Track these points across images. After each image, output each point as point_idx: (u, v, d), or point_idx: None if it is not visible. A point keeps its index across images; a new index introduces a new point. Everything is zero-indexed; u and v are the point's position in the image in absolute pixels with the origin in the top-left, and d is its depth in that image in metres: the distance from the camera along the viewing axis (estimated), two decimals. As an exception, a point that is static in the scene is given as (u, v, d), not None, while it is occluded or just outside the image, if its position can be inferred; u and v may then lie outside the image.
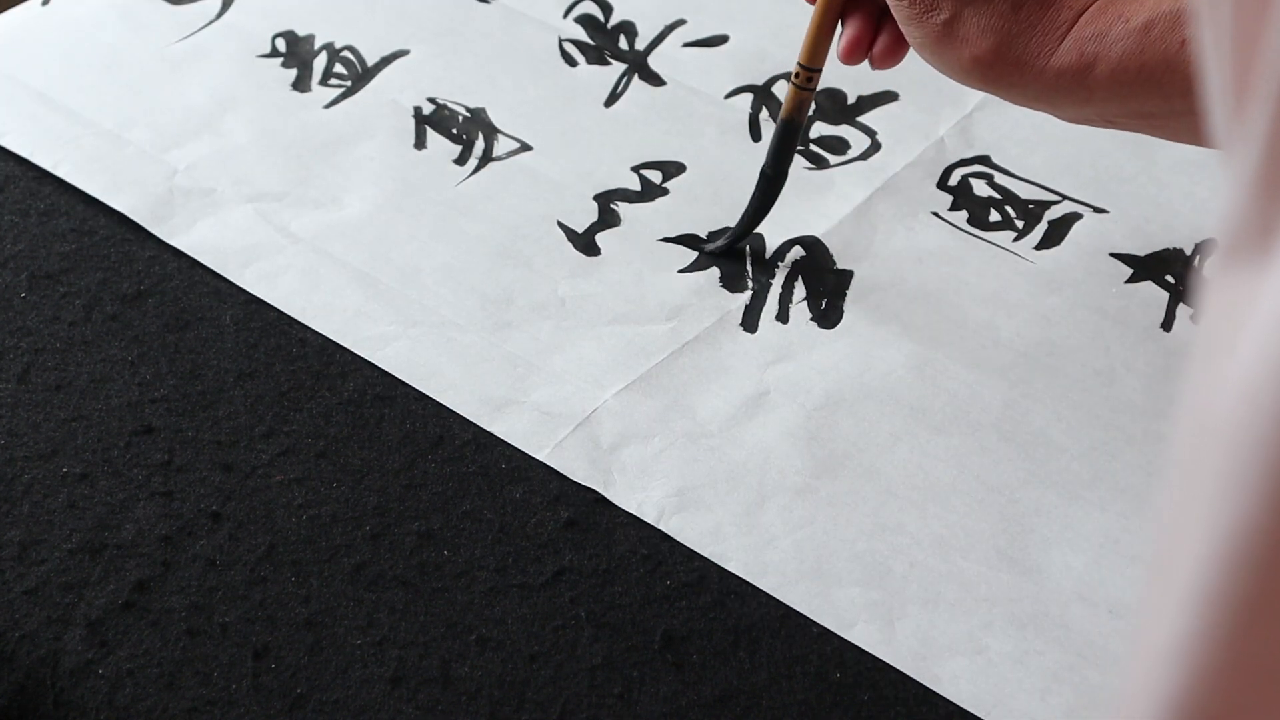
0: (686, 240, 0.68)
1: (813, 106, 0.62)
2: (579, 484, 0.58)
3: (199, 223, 0.68)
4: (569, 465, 0.58)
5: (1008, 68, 0.53)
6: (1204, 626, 0.20)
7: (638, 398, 0.61)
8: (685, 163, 0.72)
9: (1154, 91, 0.51)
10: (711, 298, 0.65)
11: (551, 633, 0.53)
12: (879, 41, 0.59)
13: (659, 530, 0.56)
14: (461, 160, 0.72)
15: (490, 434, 0.59)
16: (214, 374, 0.62)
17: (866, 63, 0.59)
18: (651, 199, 0.70)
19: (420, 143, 0.73)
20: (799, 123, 0.63)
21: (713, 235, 0.68)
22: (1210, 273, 0.22)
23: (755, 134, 0.73)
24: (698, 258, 0.67)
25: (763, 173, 0.65)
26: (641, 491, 0.57)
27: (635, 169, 0.71)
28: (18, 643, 0.52)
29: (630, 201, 0.70)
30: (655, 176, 0.71)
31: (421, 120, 0.74)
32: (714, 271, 0.66)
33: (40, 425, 0.59)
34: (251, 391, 0.61)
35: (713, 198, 0.70)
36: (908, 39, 0.56)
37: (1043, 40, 0.53)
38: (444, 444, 0.59)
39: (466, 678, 0.52)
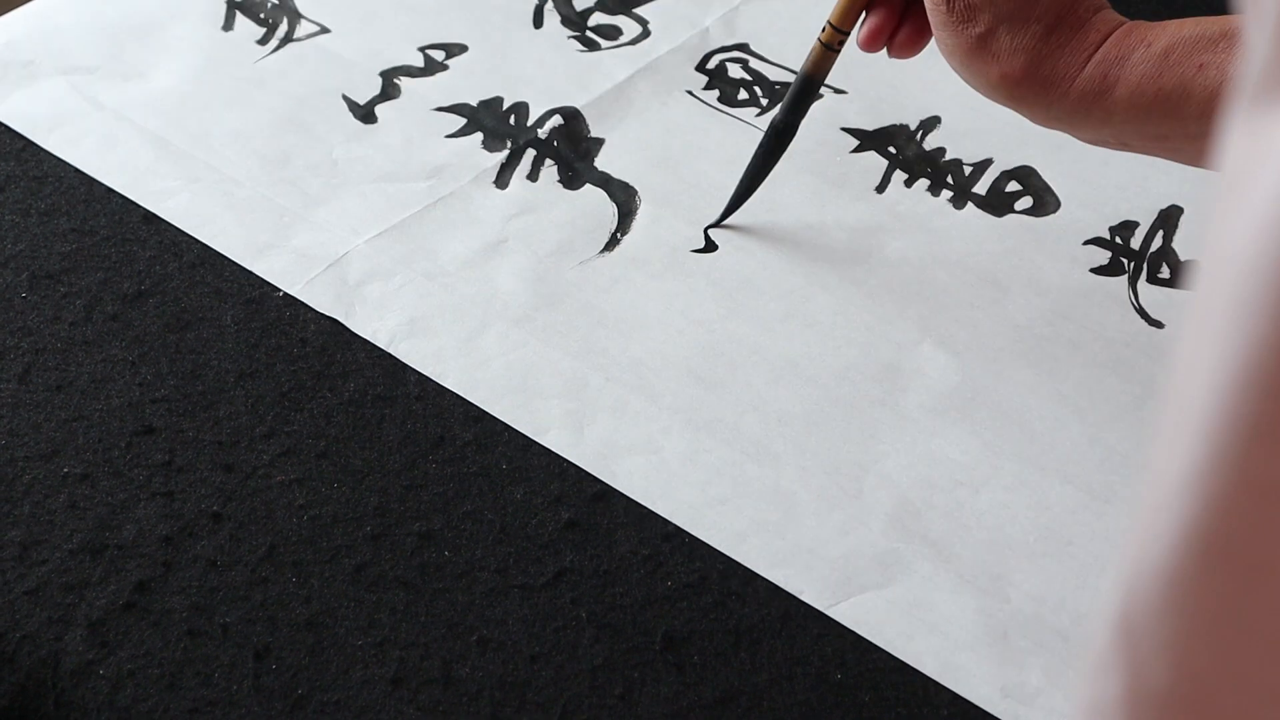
0: (458, 109, 0.75)
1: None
2: (580, 485, 0.58)
3: (15, 93, 0.75)
4: (316, 299, 0.64)
5: (1034, 87, 0.54)
6: (1217, 452, 0.20)
7: (387, 243, 0.68)
8: (469, 44, 0.79)
9: (1170, 115, 0.52)
10: (471, 158, 0.72)
11: (552, 633, 0.53)
12: (901, 31, 0.59)
13: (660, 531, 0.56)
14: (264, 41, 0.79)
15: (490, 434, 0.59)
16: (214, 374, 0.62)
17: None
18: (432, 74, 0.77)
19: (229, 25, 0.80)
20: (819, 81, 0.64)
21: (483, 104, 0.75)
22: (1232, 116, 0.22)
23: (538, 21, 0.81)
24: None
25: (772, 125, 0.66)
26: (378, 320, 0.64)
27: (421, 49, 0.79)
28: (19, 643, 0.52)
29: (412, 76, 0.77)
30: (438, 55, 0.78)
31: (232, 6, 0.81)
32: (478, 136, 0.74)
33: (41, 425, 0.59)
34: (252, 392, 0.61)
35: (488, 72, 0.77)
36: (938, 44, 0.56)
37: (1070, 61, 0.53)
38: (444, 445, 0.59)
39: (467, 678, 0.52)
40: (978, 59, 0.55)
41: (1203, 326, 0.21)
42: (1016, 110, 0.56)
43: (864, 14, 0.60)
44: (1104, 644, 0.24)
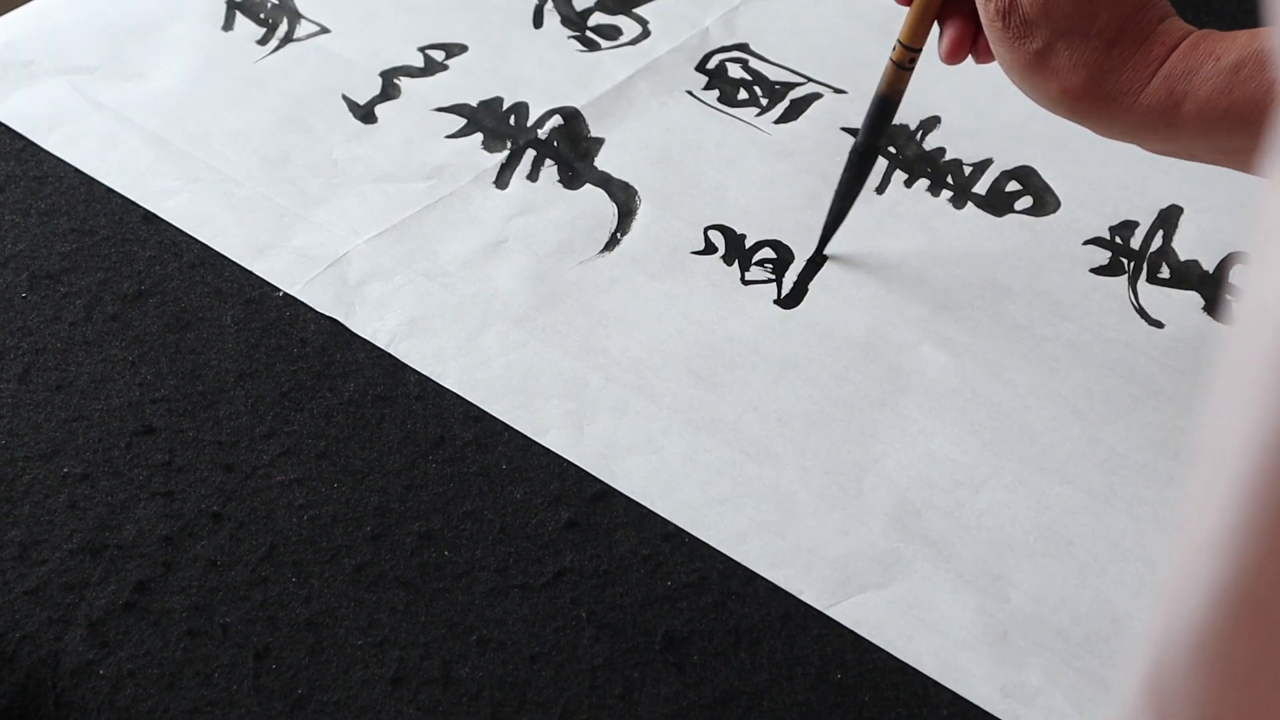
0: (458, 109, 0.75)
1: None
2: (580, 485, 0.58)
3: (15, 93, 0.75)
4: (316, 299, 0.65)
5: (1096, 102, 0.53)
6: (1250, 512, 0.20)
7: (387, 243, 0.68)
8: (469, 44, 0.79)
9: (1240, 129, 0.50)
10: (471, 158, 0.72)
11: (552, 633, 0.53)
12: (981, 38, 0.58)
13: (660, 531, 0.56)
14: (264, 41, 0.79)
15: (490, 434, 0.59)
16: (214, 374, 0.62)
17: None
18: (432, 74, 0.77)
19: (229, 25, 0.80)
20: (895, 100, 0.62)
21: (483, 104, 0.75)
22: (1273, 169, 0.22)
23: (538, 21, 0.81)
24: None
25: (854, 149, 0.65)
26: (378, 320, 0.64)
27: (421, 49, 0.79)
28: (19, 643, 0.52)
29: (412, 76, 0.77)
30: (438, 55, 0.79)
31: (232, 5, 0.82)
32: (478, 136, 0.74)
33: (41, 425, 0.59)
34: (252, 392, 0.61)
35: (488, 72, 0.78)
36: (997, 59, 0.55)
37: (1134, 76, 0.52)
38: (444, 444, 0.59)
39: (467, 678, 0.52)
40: (1037, 74, 0.53)
41: (1235, 383, 0.21)
42: (1080, 124, 0.55)
43: (935, 28, 0.59)
44: (1134, 702, 0.23)
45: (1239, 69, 0.50)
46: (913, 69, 0.61)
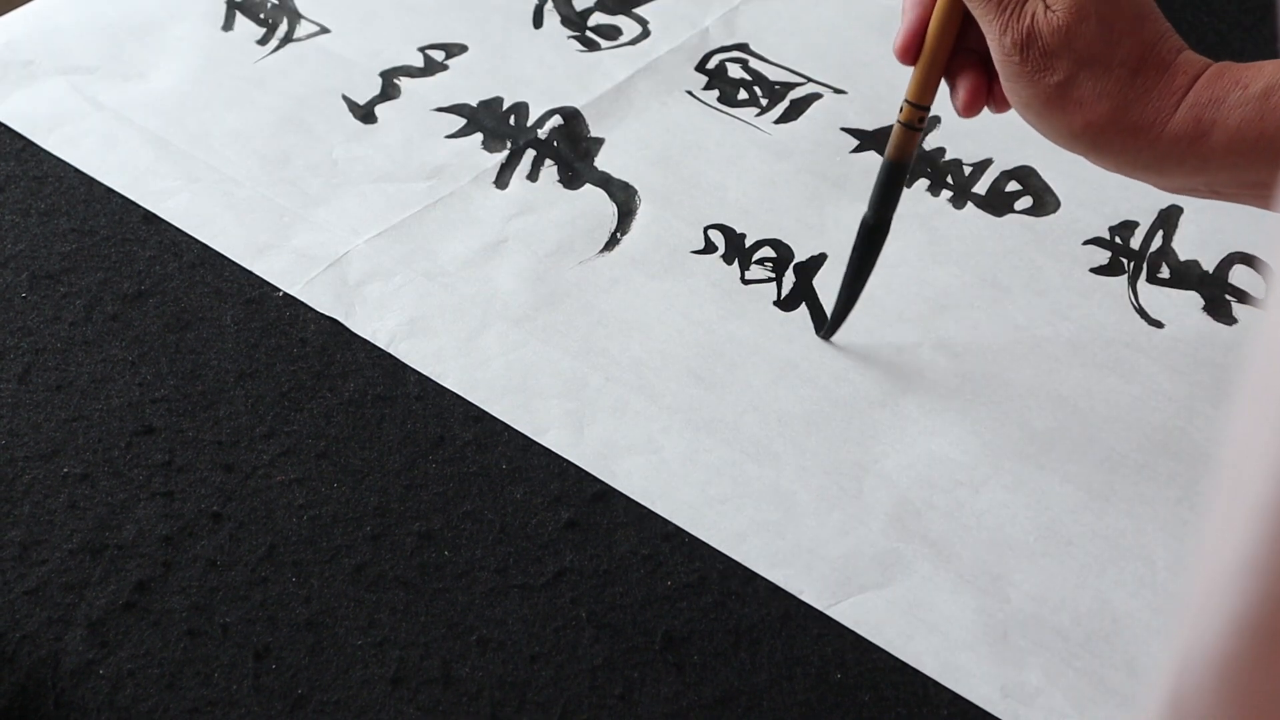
0: (458, 109, 0.75)
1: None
2: (580, 485, 0.58)
3: (15, 93, 0.75)
4: (316, 299, 0.65)
5: (1121, 134, 0.51)
6: (1273, 536, 0.20)
7: (387, 243, 0.68)
8: (469, 44, 0.79)
9: (1272, 160, 0.49)
10: (471, 158, 0.72)
11: (552, 633, 0.53)
12: (996, 87, 0.55)
13: (660, 531, 0.56)
14: (264, 41, 0.79)
15: (490, 434, 0.59)
16: (214, 374, 0.62)
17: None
18: (432, 74, 0.77)
19: (229, 25, 0.80)
20: (906, 164, 0.58)
21: (483, 104, 0.75)
22: None
23: (538, 21, 0.81)
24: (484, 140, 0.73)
25: (863, 223, 0.60)
26: (378, 320, 0.64)
27: (421, 49, 0.79)
28: (19, 643, 0.52)
29: (412, 76, 0.77)
30: (438, 55, 0.79)
31: (232, 5, 0.82)
32: (478, 136, 0.74)
33: (41, 425, 0.59)
34: (252, 392, 0.61)
35: (488, 72, 0.78)
36: (1011, 97, 0.53)
37: (1160, 105, 0.50)
38: (444, 444, 0.59)
39: (467, 678, 0.52)
40: (1057, 109, 0.52)
41: (1257, 407, 0.21)
42: (1098, 161, 0.53)
43: (944, 84, 0.56)
44: None
45: (1269, 96, 0.49)
46: (922, 128, 0.57)
